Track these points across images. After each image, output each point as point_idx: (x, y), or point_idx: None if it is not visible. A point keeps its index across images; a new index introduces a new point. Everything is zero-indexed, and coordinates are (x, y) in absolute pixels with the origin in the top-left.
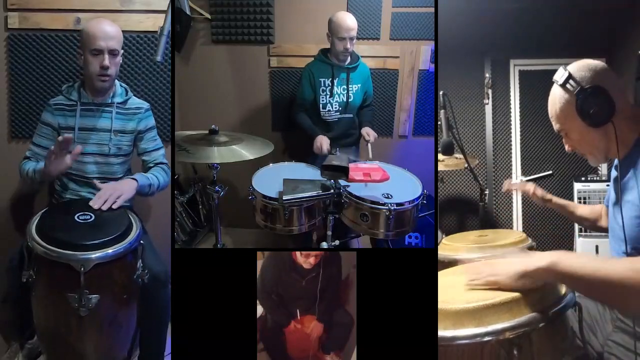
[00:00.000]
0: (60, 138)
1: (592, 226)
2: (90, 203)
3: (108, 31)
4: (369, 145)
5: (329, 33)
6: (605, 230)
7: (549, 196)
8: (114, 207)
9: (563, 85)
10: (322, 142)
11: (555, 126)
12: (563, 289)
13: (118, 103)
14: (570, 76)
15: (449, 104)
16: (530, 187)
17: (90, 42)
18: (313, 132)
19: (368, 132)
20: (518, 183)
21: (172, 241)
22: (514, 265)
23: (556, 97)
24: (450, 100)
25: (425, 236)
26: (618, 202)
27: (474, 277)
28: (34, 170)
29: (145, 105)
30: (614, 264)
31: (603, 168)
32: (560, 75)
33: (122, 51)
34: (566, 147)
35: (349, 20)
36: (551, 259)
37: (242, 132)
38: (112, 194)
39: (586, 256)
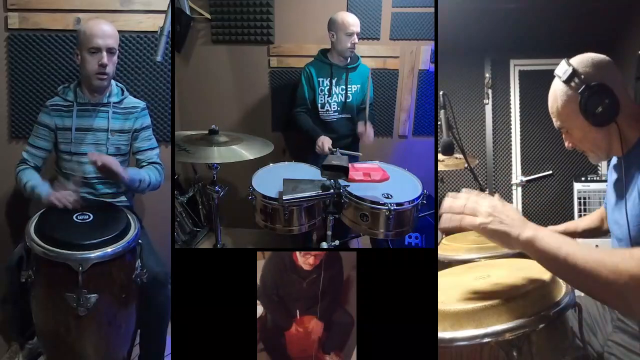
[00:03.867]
0: (70, 186)
1: (598, 233)
2: (89, 154)
3: (106, 30)
4: (365, 136)
5: (333, 32)
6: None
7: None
8: (107, 165)
9: (567, 82)
10: (324, 142)
11: (556, 123)
12: (562, 290)
13: (114, 102)
14: (574, 72)
15: (449, 104)
16: None
17: (88, 41)
18: (315, 133)
19: (364, 127)
20: None
21: (172, 241)
22: (498, 224)
23: (557, 93)
24: (450, 100)
25: (425, 236)
26: (618, 202)
27: (454, 209)
28: (33, 190)
29: (142, 104)
30: (588, 253)
31: (603, 168)
32: (563, 70)
33: (118, 52)
34: (566, 143)
35: (353, 17)
36: (531, 233)
37: (242, 132)
38: (109, 159)
39: (566, 240)
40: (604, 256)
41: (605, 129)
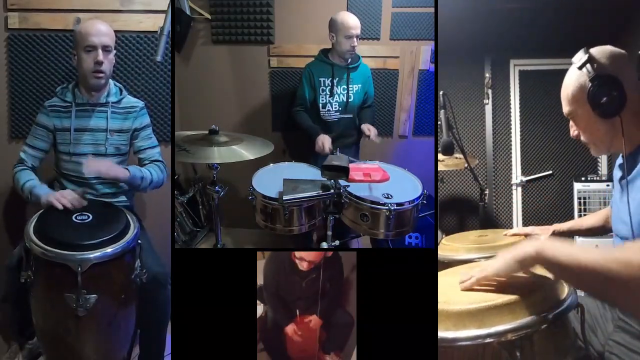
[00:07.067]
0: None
1: (602, 232)
2: (83, 161)
3: (101, 28)
4: (370, 138)
5: (333, 33)
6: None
7: (552, 229)
8: (104, 175)
9: (580, 69)
10: (324, 141)
11: (565, 109)
12: (565, 291)
13: (113, 102)
14: (589, 60)
15: (449, 104)
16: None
17: (83, 40)
18: (314, 132)
19: (369, 127)
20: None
21: (172, 241)
22: (503, 257)
23: (571, 79)
24: (450, 100)
25: (425, 236)
26: (624, 200)
27: (465, 277)
28: (31, 193)
29: (140, 103)
30: (599, 255)
31: (603, 168)
32: (579, 58)
33: (114, 51)
34: (571, 131)
35: (353, 18)
36: (538, 246)
37: (242, 132)
38: (105, 165)
39: (573, 245)
40: (615, 253)
41: (609, 122)
